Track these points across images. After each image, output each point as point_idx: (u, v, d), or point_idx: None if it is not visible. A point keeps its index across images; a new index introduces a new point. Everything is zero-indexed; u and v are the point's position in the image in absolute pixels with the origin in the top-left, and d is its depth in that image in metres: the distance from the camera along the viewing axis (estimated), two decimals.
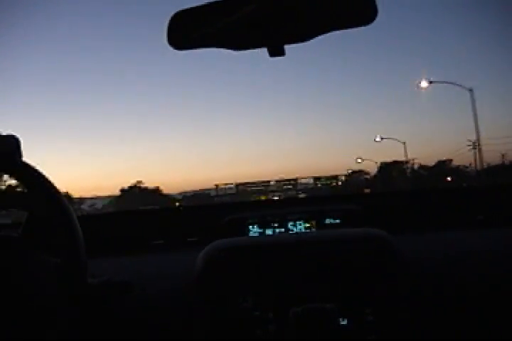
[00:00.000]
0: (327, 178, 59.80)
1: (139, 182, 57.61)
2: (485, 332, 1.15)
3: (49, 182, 0.99)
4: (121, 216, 2.07)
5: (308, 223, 1.71)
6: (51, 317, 0.93)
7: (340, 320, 1.10)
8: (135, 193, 53.01)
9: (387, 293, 1.12)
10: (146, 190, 55.05)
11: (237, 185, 60.43)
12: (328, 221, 1.70)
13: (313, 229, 1.69)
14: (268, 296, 1.13)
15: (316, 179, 59.86)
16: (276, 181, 60.31)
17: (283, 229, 1.71)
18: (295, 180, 60.91)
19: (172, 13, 1.02)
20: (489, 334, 1.15)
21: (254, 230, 1.70)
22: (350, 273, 1.14)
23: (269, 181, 60.74)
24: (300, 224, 1.71)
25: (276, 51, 1.03)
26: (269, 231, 1.70)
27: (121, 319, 1.20)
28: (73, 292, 0.95)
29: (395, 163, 43.75)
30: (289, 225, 1.71)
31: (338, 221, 1.69)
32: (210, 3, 0.99)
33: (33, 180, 0.99)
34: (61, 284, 0.94)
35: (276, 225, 1.71)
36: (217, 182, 60.82)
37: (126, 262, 1.47)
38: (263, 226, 1.70)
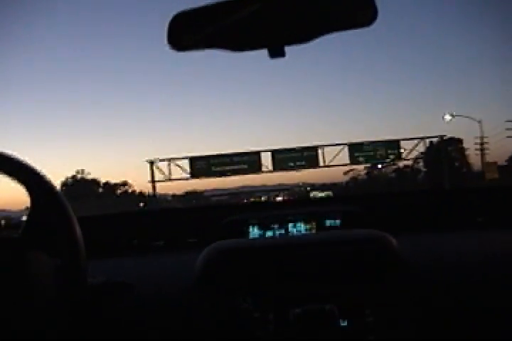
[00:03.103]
0: (377, 145, 24.68)
1: (80, 171, 41.44)
2: (484, 332, 1.15)
3: (47, 181, 0.99)
4: (121, 217, 2.07)
5: (308, 225, 1.71)
6: (51, 317, 0.93)
7: (340, 321, 1.10)
8: (79, 186, 38.89)
9: (387, 294, 1.12)
10: (90, 183, 40.77)
11: (191, 160, 24.72)
12: (328, 222, 1.70)
13: (314, 231, 1.69)
14: (268, 297, 1.13)
15: (355, 148, 24.58)
16: (273, 151, 24.76)
17: (283, 231, 1.70)
18: (314, 148, 24.78)
19: (172, 15, 1.02)
20: (488, 334, 1.15)
21: (254, 232, 1.70)
22: (350, 274, 1.14)
23: (258, 152, 24.85)
24: (300, 226, 1.71)
25: (277, 52, 1.03)
26: (269, 233, 1.70)
27: (122, 319, 1.19)
28: (73, 292, 0.95)
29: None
30: (289, 227, 1.71)
31: (338, 222, 1.69)
32: (211, 5, 0.99)
33: (31, 179, 0.98)
34: (61, 284, 0.94)
35: (276, 227, 1.71)
36: (149, 158, 25.57)
37: (126, 263, 1.47)
38: (263, 227, 1.70)
